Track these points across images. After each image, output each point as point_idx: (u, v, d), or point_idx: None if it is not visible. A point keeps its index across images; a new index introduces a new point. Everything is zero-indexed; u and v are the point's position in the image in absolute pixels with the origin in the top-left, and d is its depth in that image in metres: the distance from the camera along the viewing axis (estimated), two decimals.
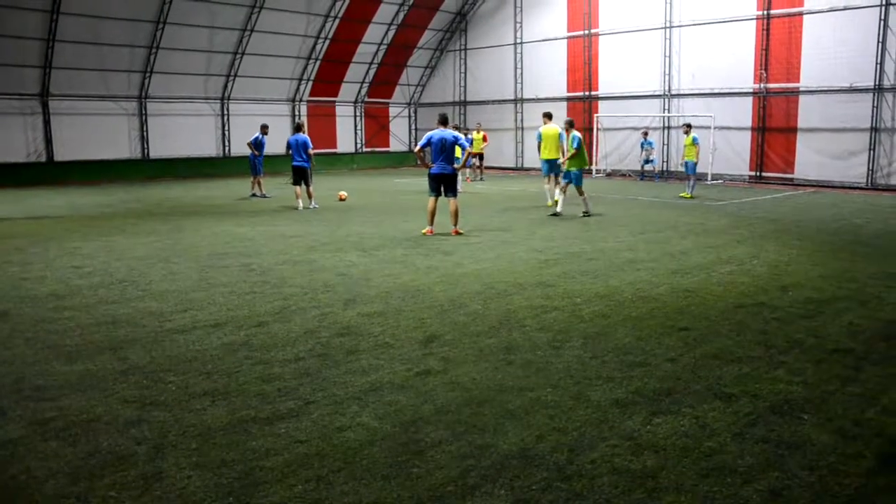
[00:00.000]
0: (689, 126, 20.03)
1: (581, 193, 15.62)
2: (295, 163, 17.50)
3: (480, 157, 26.57)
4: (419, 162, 13.40)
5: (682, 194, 19.95)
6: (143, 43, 27.39)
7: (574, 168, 15.47)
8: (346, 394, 5.09)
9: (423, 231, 12.82)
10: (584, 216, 15.28)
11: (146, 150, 29.07)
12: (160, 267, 9.96)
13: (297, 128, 18.31)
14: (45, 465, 4.07)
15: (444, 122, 13.11)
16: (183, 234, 13.24)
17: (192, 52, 28.71)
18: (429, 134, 12.86)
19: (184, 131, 29.78)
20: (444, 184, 12.88)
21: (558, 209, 15.59)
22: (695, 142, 19.58)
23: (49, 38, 25.20)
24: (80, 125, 27.14)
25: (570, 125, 16.11)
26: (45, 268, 9.97)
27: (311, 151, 17.70)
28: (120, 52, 27.05)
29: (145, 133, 28.92)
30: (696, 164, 19.87)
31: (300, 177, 17.53)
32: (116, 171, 27.80)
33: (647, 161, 27.03)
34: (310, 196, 17.54)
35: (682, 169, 21.29)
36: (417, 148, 13.12)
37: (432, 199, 12.92)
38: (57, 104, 26.71)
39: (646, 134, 27.20)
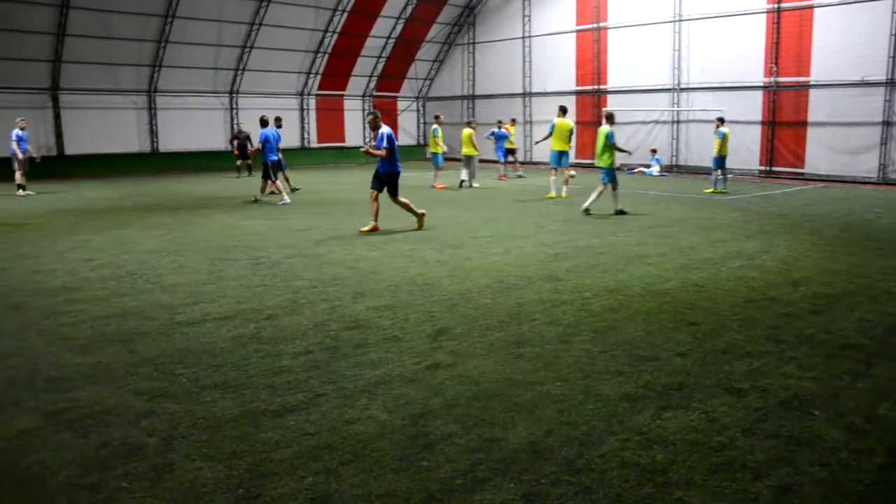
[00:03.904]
0: (721, 120, 19.88)
1: (615, 189, 14.88)
2: (275, 157, 17.49)
3: (513, 151, 25.94)
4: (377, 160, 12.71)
5: (712, 190, 19.70)
6: (152, 37, 27.44)
7: (605, 165, 14.75)
8: (356, 387, 5.11)
9: (367, 228, 12.41)
10: (617, 214, 14.58)
11: (155, 144, 29.13)
12: (170, 260, 10.00)
13: (276, 121, 18.12)
14: (59, 455, 4.11)
15: (377, 121, 12.75)
16: (192, 227, 13.28)
17: (201, 45, 28.72)
18: (387, 132, 12.47)
19: (192, 125, 29.82)
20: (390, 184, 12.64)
21: (588, 205, 14.63)
22: (720, 135, 19.41)
23: (59, 33, 25.27)
24: (89, 119, 27.22)
25: (610, 118, 15.20)
26: (57, 260, 10.03)
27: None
28: (129, 46, 27.10)
29: (154, 127, 28.99)
30: (725, 157, 19.76)
31: (277, 170, 17.61)
32: (125, 165, 27.88)
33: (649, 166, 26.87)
34: (276, 190, 17.60)
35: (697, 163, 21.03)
36: (385, 150, 12.43)
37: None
38: (67, 98, 26.81)
39: (654, 151, 27.10)
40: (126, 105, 28.32)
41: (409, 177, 26.00)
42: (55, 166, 26.27)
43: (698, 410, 4.70)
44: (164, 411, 4.71)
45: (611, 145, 14.63)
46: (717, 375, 5.35)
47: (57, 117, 26.73)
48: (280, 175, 17.90)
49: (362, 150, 13.09)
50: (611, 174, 14.80)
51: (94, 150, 27.39)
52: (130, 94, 28.30)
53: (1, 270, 9.37)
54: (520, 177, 25.19)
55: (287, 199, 17.25)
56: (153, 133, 29.03)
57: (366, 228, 12.35)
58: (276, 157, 17.50)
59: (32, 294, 8.03)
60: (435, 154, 21.58)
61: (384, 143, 12.38)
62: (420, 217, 12.73)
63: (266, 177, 17.54)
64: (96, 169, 26.88)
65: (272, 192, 17.87)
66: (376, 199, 12.55)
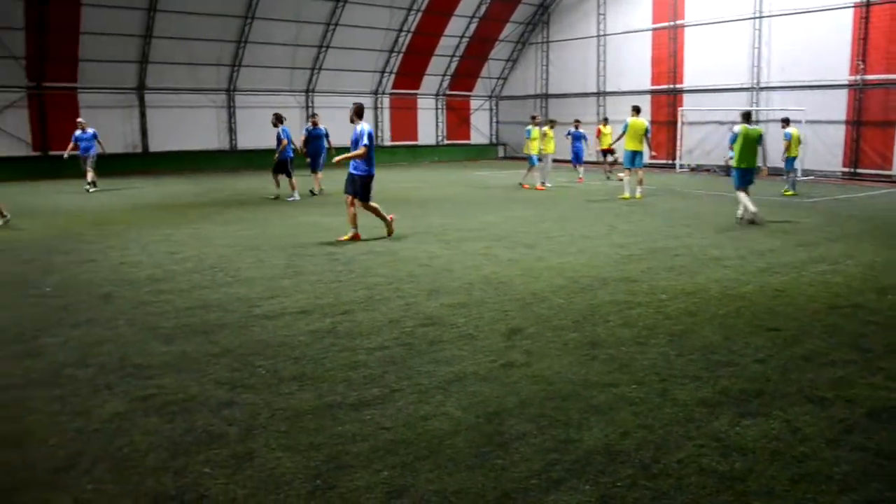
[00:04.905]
0: (786, 121, 19.31)
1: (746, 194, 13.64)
2: (291, 155, 17.82)
3: (612, 152, 24.30)
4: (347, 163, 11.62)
5: (791, 192, 19.10)
6: (232, 37, 28.24)
7: (747, 166, 13.66)
8: (431, 383, 5.16)
9: (346, 236, 11.53)
10: (740, 222, 13.47)
11: (233, 141, 29.95)
12: (248, 254, 10.27)
13: (282, 119, 18.13)
14: (147, 439, 4.28)
15: (360, 113, 11.48)
16: (270, 222, 13.61)
17: (279, 45, 29.40)
18: (368, 130, 11.32)
19: (270, 123, 30.50)
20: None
21: (751, 213, 13.27)
22: (786, 137, 18.87)
23: (146, 35, 26.29)
24: (171, 117, 28.21)
25: (747, 117, 14.11)
26: (142, 253, 10.43)
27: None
28: (210, 46, 27.96)
29: (233, 125, 29.81)
30: (794, 159, 19.16)
31: (292, 168, 17.90)
32: (205, 162, 28.75)
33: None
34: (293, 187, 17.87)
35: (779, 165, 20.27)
36: (364, 149, 11.28)
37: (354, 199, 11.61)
38: (152, 97, 27.87)
39: (734, 128, 26.25)
40: (206, 103, 29.22)
41: (483, 176, 26.12)
42: (139, 162, 27.41)
43: (779, 419, 4.57)
44: (245, 401, 4.84)
45: (760, 145, 13.68)
46: (798, 383, 5.19)
47: (142, 115, 27.81)
48: (281, 174, 18.06)
49: (336, 160, 11.80)
50: (748, 176, 13.71)
51: (176, 147, 28.35)
52: (211, 93, 29.18)
53: (91, 262, 9.80)
54: (620, 179, 24.08)
55: (278, 193, 17.78)
56: (231, 130, 29.86)
57: (345, 237, 11.48)
58: (292, 154, 17.85)
59: (120, 284, 8.38)
60: (529, 155, 20.76)
61: (364, 141, 11.23)
62: (389, 222, 11.81)
63: (289, 174, 17.79)
64: (177, 165, 27.82)
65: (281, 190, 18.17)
66: (353, 203, 11.52)
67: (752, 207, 13.32)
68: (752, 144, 13.51)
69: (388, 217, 11.84)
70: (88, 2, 24.39)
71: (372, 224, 11.91)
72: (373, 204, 11.72)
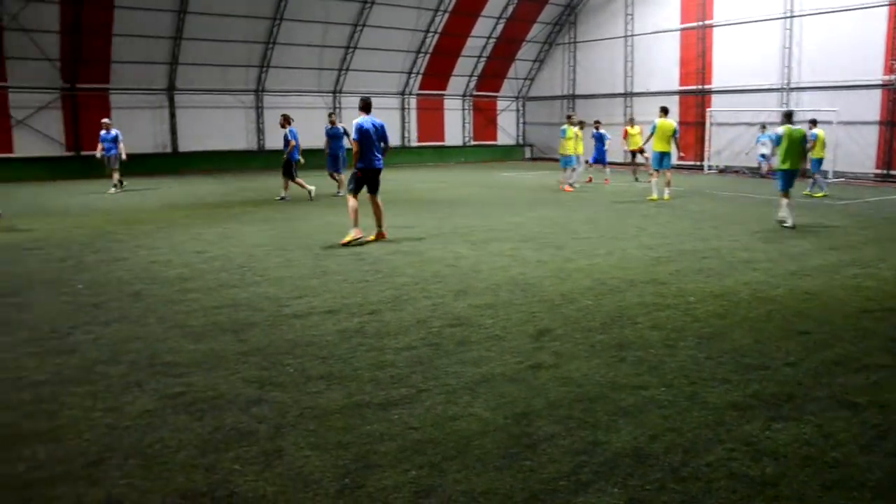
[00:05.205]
0: (813, 122, 19.06)
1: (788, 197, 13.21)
2: (297, 157, 17.89)
3: (642, 152, 23.27)
4: (354, 161, 11.22)
5: (822, 194, 18.82)
6: (260, 39, 28.50)
7: (793, 167, 13.20)
8: (458, 384, 5.15)
9: (348, 238, 11.06)
10: (783, 225, 13.06)
11: (262, 142, 30.20)
12: (276, 254, 10.34)
13: (290, 120, 18.11)
14: (177, 436, 4.32)
15: (367, 108, 11.25)
16: (297, 222, 13.70)
17: (307, 46, 29.60)
18: (358, 122, 11.08)
19: (297, 124, 30.61)
20: (373, 180, 11.37)
21: (788, 221, 13.00)
22: (812, 137, 18.56)
23: (176, 36, 26.63)
24: (200, 117, 28.55)
25: (789, 117, 13.66)
26: (171, 252, 10.55)
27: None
28: (239, 47, 28.25)
29: (261, 125, 30.05)
30: (820, 160, 18.89)
31: (296, 171, 17.93)
32: (233, 162, 29.04)
33: (761, 156, 25.74)
34: (301, 186, 17.90)
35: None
36: (355, 143, 11.15)
37: (355, 197, 11.29)
38: (181, 98, 28.22)
39: (763, 127, 25.94)
40: (235, 104, 29.51)
41: (510, 176, 26.08)
42: (168, 162, 27.76)
43: (810, 423, 4.51)
44: (273, 399, 4.88)
45: (803, 145, 13.27)
46: (830, 388, 5.12)
47: (172, 116, 28.16)
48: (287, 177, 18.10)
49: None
50: (792, 178, 13.24)
51: (205, 148, 28.66)
52: (239, 94, 29.45)
53: (121, 260, 9.93)
54: (649, 181, 23.59)
55: (287, 195, 17.79)
56: (260, 131, 30.11)
57: (371, 237, 11.28)
58: (298, 157, 17.94)
59: (150, 283, 8.48)
60: (564, 155, 20.28)
61: (353, 136, 11.14)
62: (354, 233, 11.12)
63: (293, 176, 17.83)
64: (206, 165, 28.14)
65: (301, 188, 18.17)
66: (374, 201, 11.37)
67: (785, 214, 13.09)
68: (795, 145, 13.22)
69: (355, 230, 11.14)
70: (121, 4, 24.77)
71: (395, 224, 11.91)
72: (353, 201, 11.22)
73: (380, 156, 11.34)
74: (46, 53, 24.71)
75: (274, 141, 29.96)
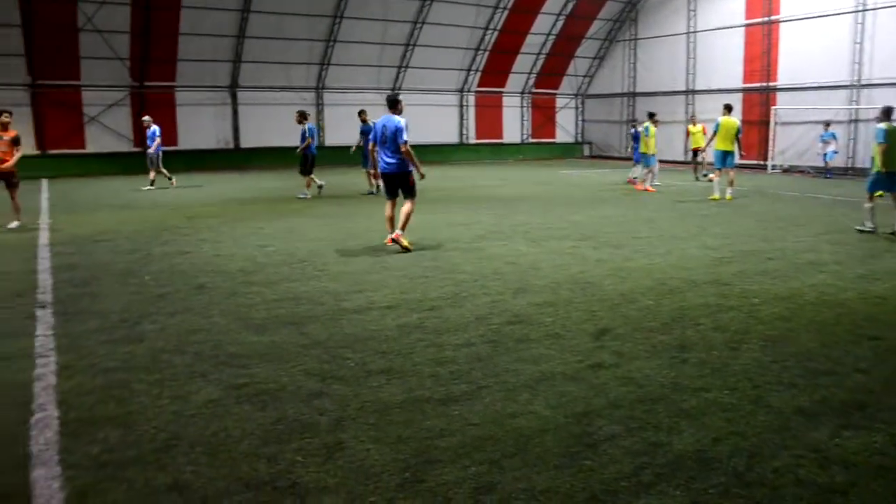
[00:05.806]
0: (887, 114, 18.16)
1: None
2: (314, 153, 18.03)
3: (702, 150, 22.64)
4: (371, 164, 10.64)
5: (881, 193, 18.05)
6: (321, 37, 28.87)
7: (886, 169, 12.34)
8: (518, 381, 5.12)
9: (404, 243, 10.18)
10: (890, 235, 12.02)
11: (322, 138, 30.57)
12: (336, 249, 10.45)
13: (306, 116, 18.08)
14: (240, 426, 4.40)
15: (392, 104, 10.34)
16: (356, 218, 13.83)
17: (367, 44, 29.85)
18: (373, 123, 10.59)
19: (356, 120, 30.99)
20: (391, 184, 10.48)
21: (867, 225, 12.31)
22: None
23: (240, 35, 27.17)
24: (262, 114, 29.05)
25: (888, 114, 12.84)
26: (234, 245, 10.76)
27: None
28: (300, 45, 28.68)
29: (321, 122, 30.42)
30: None
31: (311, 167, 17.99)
32: (294, 158, 29.35)
33: (833, 152, 24.90)
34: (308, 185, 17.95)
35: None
36: (371, 145, 10.48)
37: (389, 203, 10.63)
38: (244, 95, 28.79)
39: (827, 125, 25.12)
40: (296, 101, 29.82)
41: (568, 174, 25.86)
42: (231, 158, 28.37)
43: (883, 432, 4.33)
44: (334, 392, 4.92)
45: (880, 143, 12.37)
46: None
47: (235, 113, 28.75)
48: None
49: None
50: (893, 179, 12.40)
51: (266, 144, 29.14)
52: (300, 91, 29.86)
53: (186, 253, 10.17)
54: (708, 179, 21.77)
55: (309, 194, 17.82)
56: (320, 128, 30.49)
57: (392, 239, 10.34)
58: (315, 152, 18.05)
59: (214, 275, 8.66)
60: (644, 154, 19.79)
61: (371, 136, 10.46)
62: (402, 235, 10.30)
63: (309, 172, 17.94)
64: (267, 161, 28.60)
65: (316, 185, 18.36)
66: (408, 205, 10.44)
67: (869, 222, 12.32)
68: None
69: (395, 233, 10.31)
70: (188, 4, 25.39)
71: (454, 221, 11.85)
72: (386, 207, 10.66)
73: (389, 158, 10.18)
74: (117, 53, 25.49)
75: (334, 137, 30.39)
